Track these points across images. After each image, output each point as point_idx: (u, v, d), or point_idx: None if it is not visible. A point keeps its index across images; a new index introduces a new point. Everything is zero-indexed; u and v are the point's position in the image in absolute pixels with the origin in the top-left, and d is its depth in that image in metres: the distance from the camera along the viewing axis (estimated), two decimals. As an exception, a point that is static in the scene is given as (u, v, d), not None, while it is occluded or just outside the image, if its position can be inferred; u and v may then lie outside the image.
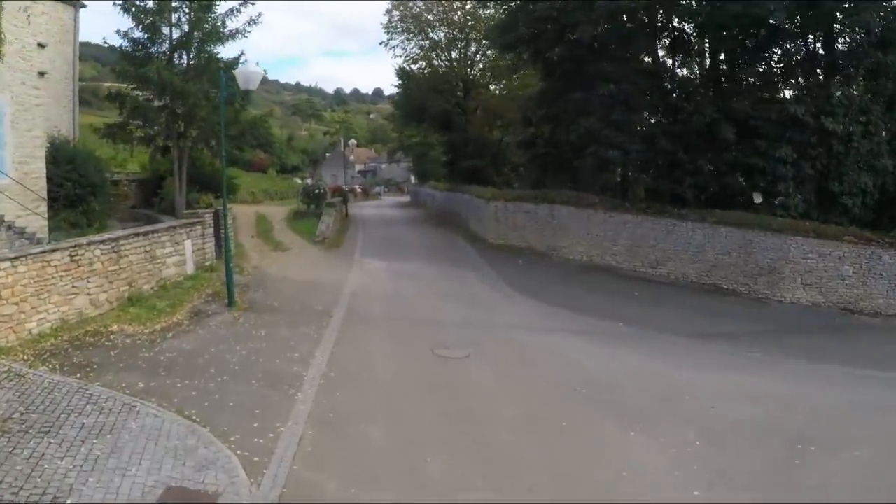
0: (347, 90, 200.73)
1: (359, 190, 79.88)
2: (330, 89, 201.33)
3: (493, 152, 38.76)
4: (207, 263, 19.31)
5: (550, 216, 24.85)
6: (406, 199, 75.17)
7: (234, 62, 26.02)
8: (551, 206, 24.78)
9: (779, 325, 18.65)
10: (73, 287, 12.92)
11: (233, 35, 25.66)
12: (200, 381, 9.93)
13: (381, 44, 41.02)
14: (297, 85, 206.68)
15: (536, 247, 25.45)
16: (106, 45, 24.76)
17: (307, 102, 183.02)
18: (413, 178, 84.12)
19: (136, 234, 15.60)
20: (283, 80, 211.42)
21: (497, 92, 40.48)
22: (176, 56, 25.47)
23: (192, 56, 25.57)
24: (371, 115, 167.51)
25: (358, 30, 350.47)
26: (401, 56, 41.91)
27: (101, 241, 14.00)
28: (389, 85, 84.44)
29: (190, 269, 18.20)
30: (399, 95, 42.88)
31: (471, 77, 40.34)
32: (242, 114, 27.42)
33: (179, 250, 17.71)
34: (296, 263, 21.65)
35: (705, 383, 11.84)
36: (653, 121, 23.64)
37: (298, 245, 25.37)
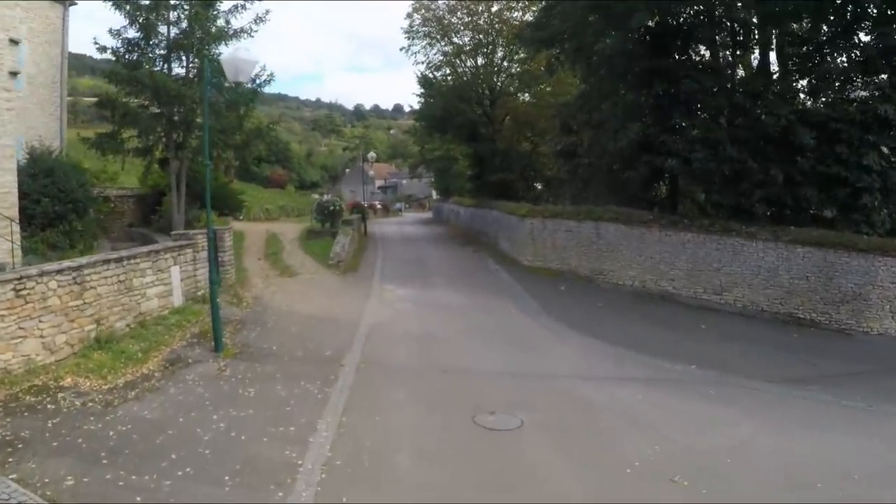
0: (367, 106, 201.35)
1: (378, 206, 77.54)
2: (350, 105, 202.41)
3: (524, 165, 35.69)
4: (200, 293, 16.53)
5: (596, 235, 21.80)
6: (428, 215, 72.60)
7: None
8: (597, 224, 21.74)
9: (872, 364, 15.77)
10: (20, 329, 10.24)
11: (237, 34, 23.04)
12: (152, 476, 7.04)
13: (401, 49, 38.86)
14: (318, 101, 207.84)
15: (579, 270, 22.41)
16: (96, 46, 22.18)
17: (327, 118, 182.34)
18: (434, 194, 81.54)
19: (107, 261, 12.84)
20: (303, 97, 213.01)
21: (527, 100, 37.34)
22: (174, 58, 22.85)
23: (191, 58, 22.93)
24: (391, 131, 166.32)
25: (378, 45, 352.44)
26: (422, 63, 39.22)
27: (59, 271, 11.24)
28: (411, 94, 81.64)
29: (178, 300, 15.42)
30: (421, 104, 39.98)
31: (498, 85, 37.43)
32: (248, 120, 24.56)
33: (164, 279, 14.95)
34: (304, 292, 18.74)
35: (826, 456, 8.98)
36: (715, 124, 20.37)
37: (310, 269, 22.51)
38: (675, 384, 12.55)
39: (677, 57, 20.55)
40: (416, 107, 41.13)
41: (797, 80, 21.45)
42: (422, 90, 38.41)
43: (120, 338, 12.55)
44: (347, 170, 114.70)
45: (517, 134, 36.77)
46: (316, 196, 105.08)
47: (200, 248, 16.92)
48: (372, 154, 42.59)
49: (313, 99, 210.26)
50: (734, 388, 12.58)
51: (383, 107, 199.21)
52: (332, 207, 28.72)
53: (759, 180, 19.39)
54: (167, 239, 19.15)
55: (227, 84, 20.96)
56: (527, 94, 38.12)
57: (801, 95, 21.45)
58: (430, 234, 42.41)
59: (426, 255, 28.83)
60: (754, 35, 21.47)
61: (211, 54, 23.19)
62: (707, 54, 21.21)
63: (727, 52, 21.54)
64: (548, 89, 35.40)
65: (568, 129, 23.84)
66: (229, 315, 15.10)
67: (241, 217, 28.42)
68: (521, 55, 36.17)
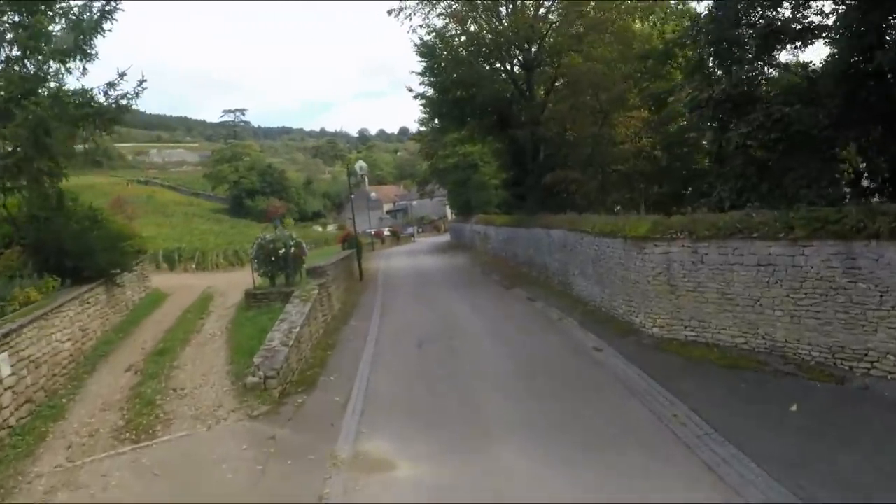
0: (373, 131, 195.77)
1: (386, 233, 65.85)
2: (355, 132, 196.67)
3: (587, 155, 23.09)
4: None
5: (842, 272, 9.45)
6: (445, 239, 60.78)
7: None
8: (847, 247, 9.41)
9: None
10: None
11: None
12: None
13: (389, 13, 26.20)
14: (322, 131, 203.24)
15: (798, 350, 10.07)
16: None
17: (329, 143, 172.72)
18: (450, 214, 69.64)
19: None
20: (307, 128, 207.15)
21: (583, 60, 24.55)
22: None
23: None
24: (398, 153, 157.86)
25: (382, 70, 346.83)
26: (422, 26, 26.83)
27: None
28: (410, 72, 66.01)
29: None
30: (426, 86, 27.29)
31: (536, 43, 24.99)
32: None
33: None
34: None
35: None
36: None
37: (206, 400, 10.23)
38: None
39: None
40: (421, 82, 28.15)
41: None
42: (423, 65, 26.12)
43: None
44: (352, 195, 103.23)
45: (574, 108, 23.89)
46: (319, 228, 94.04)
47: None
48: (362, 164, 30.54)
49: (318, 129, 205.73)
50: None
51: (389, 131, 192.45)
52: (281, 251, 16.51)
53: None
54: None
55: None
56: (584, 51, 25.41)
57: None
58: (452, 269, 30.25)
59: (456, 317, 16.64)
60: None
61: None
62: None
63: None
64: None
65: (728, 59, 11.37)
66: None
67: (119, 277, 16.52)
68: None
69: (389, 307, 19.22)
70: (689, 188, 20.83)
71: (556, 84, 25.39)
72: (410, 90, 27.16)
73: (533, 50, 25.17)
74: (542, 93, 25.93)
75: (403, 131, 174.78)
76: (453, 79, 24.71)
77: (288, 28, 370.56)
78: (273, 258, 16.39)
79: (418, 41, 25.72)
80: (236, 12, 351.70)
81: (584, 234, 16.11)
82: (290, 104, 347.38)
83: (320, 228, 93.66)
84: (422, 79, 26.67)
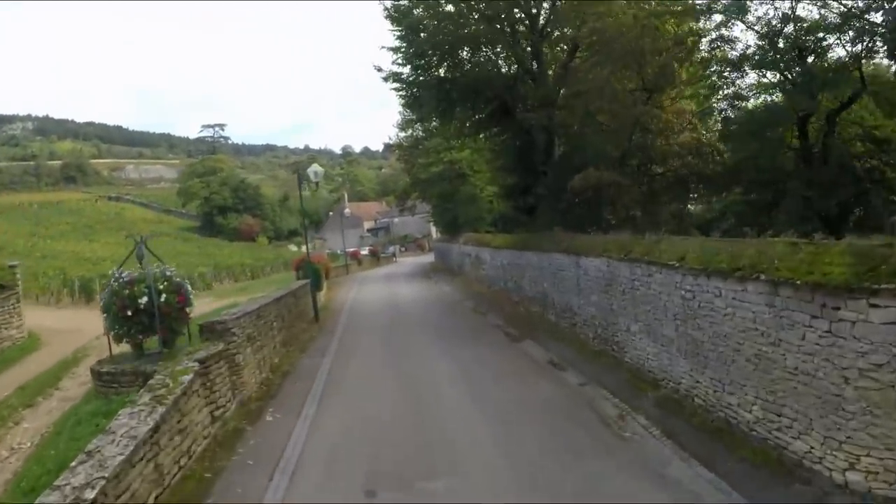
0: (357, 148, 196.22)
1: (364, 253, 59.22)
2: (339, 150, 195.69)
3: (625, 149, 16.24)
4: None
5: None
6: (429, 259, 54.53)
7: None
8: None
9: None
10: None
11: None
12: None
13: None
14: (306, 148, 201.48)
15: None
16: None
17: (310, 160, 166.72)
18: (435, 231, 63.17)
19: None
20: (292, 146, 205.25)
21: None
22: None
23: None
24: (382, 170, 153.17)
25: (368, 89, 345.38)
26: None
27: None
28: (381, 48, 54.27)
29: None
30: (402, 60, 20.21)
31: (545, 5, 18.57)
32: None
33: None
34: None
35: None
36: None
37: None
38: None
39: None
40: (395, 60, 21.32)
41: None
42: (397, 35, 19.52)
43: None
44: (330, 213, 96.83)
45: (607, 83, 16.53)
46: (294, 247, 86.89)
47: None
48: (316, 169, 23.79)
49: (301, 147, 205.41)
50: None
51: (373, 148, 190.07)
52: (143, 300, 9.70)
53: None
54: None
55: None
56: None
57: None
58: (436, 304, 23.71)
59: (440, 408, 9.98)
60: None
61: None
62: None
63: None
64: None
65: None
66: None
67: None
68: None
69: (339, 379, 12.56)
70: (774, 196, 14.57)
71: (577, 56, 18.70)
72: (379, 70, 20.54)
73: (544, 7, 18.73)
74: (557, 67, 19.45)
75: (388, 147, 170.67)
76: (435, 42, 18.23)
77: (274, 48, 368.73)
78: (131, 312, 9.73)
79: (389, 4, 19.28)
80: (229, 31, 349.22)
81: (656, 267, 9.60)
82: (276, 123, 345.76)
83: (295, 248, 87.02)
84: (395, 56, 20.15)
